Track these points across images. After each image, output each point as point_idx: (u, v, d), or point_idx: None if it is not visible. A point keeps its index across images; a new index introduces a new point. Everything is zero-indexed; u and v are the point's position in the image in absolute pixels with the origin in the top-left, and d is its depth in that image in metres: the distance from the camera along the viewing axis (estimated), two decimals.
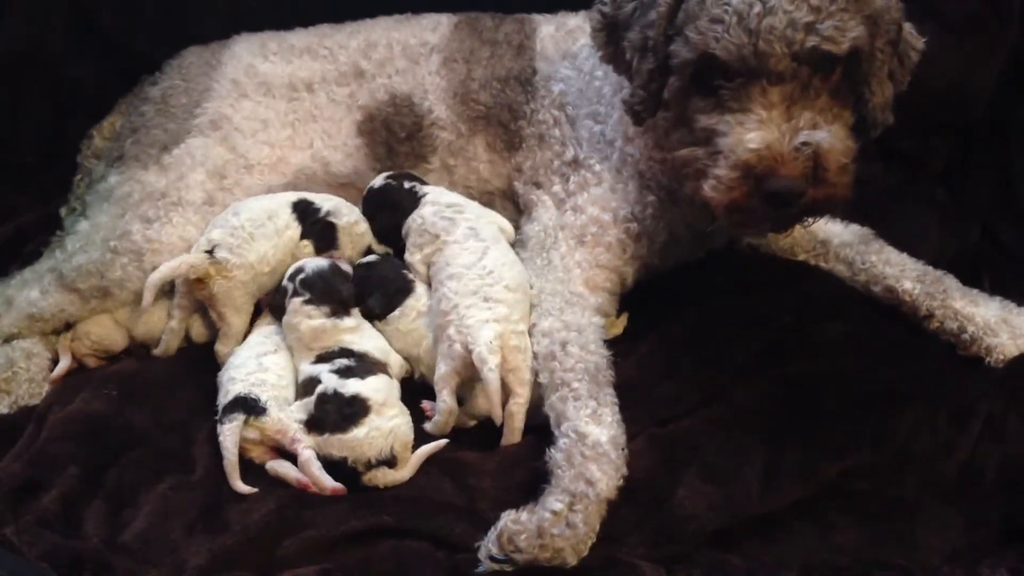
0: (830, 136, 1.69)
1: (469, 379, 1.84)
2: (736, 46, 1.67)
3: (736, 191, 1.69)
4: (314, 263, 1.99)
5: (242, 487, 1.73)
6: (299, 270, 1.97)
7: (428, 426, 1.86)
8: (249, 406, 1.79)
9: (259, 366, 1.89)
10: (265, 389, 1.83)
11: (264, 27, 2.40)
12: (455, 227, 2.03)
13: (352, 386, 1.78)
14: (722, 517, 1.66)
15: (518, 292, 1.92)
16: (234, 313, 1.99)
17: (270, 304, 2.03)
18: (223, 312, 1.99)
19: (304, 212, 2.10)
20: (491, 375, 1.78)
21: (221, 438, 1.77)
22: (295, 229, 2.08)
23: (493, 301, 1.88)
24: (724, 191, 1.71)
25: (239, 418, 1.77)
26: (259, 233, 2.03)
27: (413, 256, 2.07)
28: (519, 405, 1.81)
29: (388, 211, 2.14)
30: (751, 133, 1.68)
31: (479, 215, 2.09)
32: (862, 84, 1.81)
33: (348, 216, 2.13)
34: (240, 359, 1.92)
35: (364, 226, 2.15)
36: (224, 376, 1.90)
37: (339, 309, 1.93)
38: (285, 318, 1.94)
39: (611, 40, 1.90)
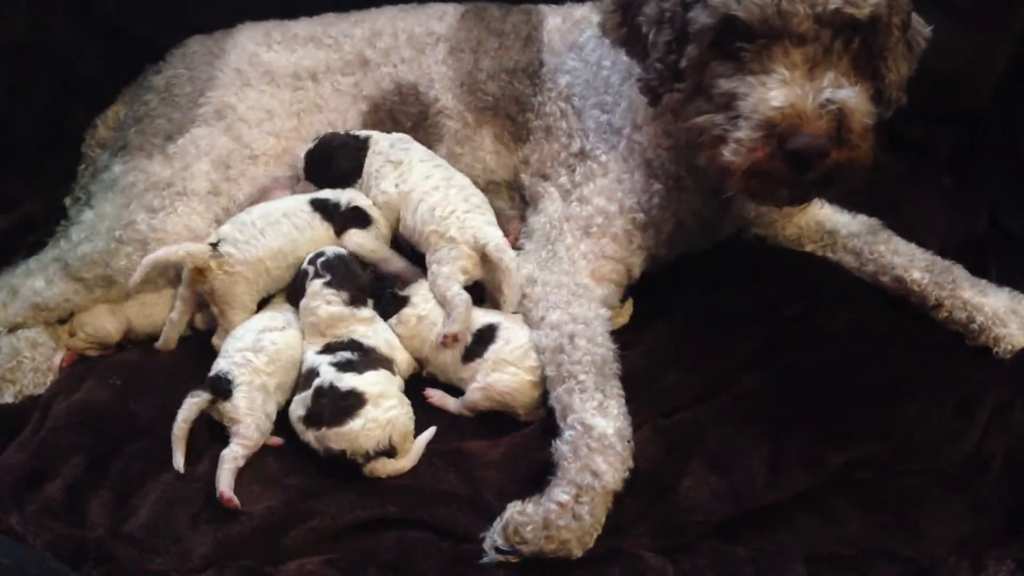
0: (854, 95, 1.68)
1: (473, 274, 1.99)
2: (759, 6, 1.66)
3: (758, 152, 1.66)
4: (334, 248, 2.00)
5: (179, 463, 1.73)
6: (319, 254, 1.98)
7: (447, 328, 1.91)
8: (217, 387, 1.80)
9: (255, 343, 1.88)
10: (244, 371, 1.82)
11: (268, 15, 2.39)
12: (412, 151, 2.15)
13: (348, 380, 1.78)
14: (727, 507, 1.66)
15: (485, 202, 2.10)
16: (234, 310, 1.98)
17: (287, 292, 2.03)
18: (223, 308, 1.98)
19: (325, 208, 2.08)
20: (512, 262, 1.95)
21: (180, 409, 1.77)
22: (323, 227, 2.06)
23: (483, 208, 2.07)
24: (745, 153, 1.67)
25: (202, 396, 1.78)
26: (271, 230, 2.02)
27: (382, 184, 2.11)
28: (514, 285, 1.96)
29: (341, 156, 2.15)
30: (774, 91, 1.65)
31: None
32: (879, 59, 1.80)
33: (362, 195, 2.14)
34: (242, 330, 1.92)
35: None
36: (223, 345, 1.91)
37: (357, 297, 1.93)
38: (303, 301, 1.94)
39: (624, 21, 1.88)
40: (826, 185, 1.74)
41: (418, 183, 2.08)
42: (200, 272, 1.97)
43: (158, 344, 2.05)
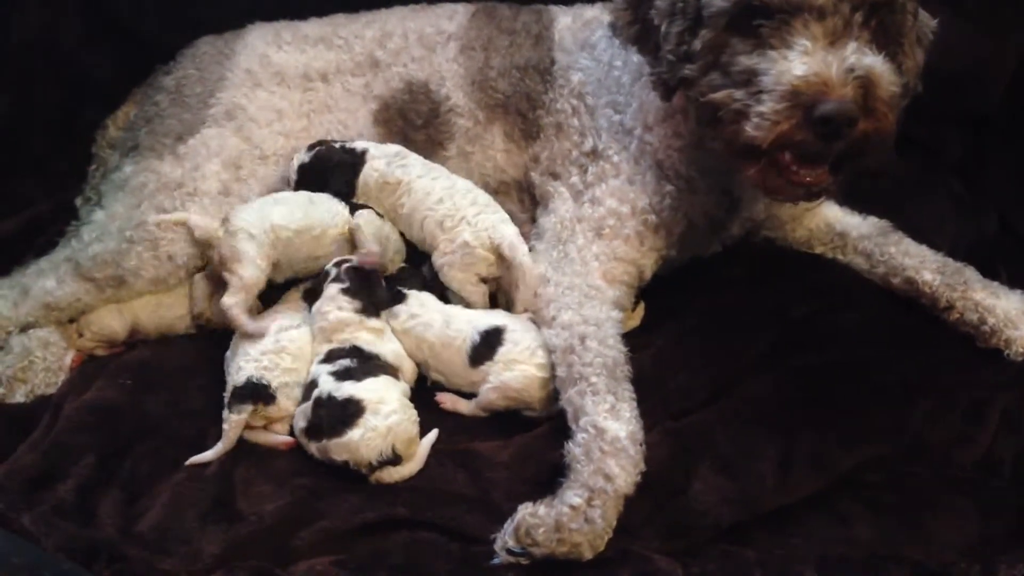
0: (880, 63, 1.66)
1: (488, 275, 2.01)
2: None
3: (783, 124, 1.63)
4: (355, 257, 2.00)
5: (200, 459, 1.76)
6: (345, 260, 1.99)
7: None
8: (259, 394, 1.81)
9: (275, 343, 1.89)
10: (276, 374, 1.84)
11: (278, 15, 2.40)
12: (410, 167, 2.13)
13: (346, 389, 1.78)
14: (736, 510, 1.66)
15: (492, 201, 2.11)
16: (242, 265, 1.95)
17: (307, 288, 2.04)
18: (231, 267, 1.95)
19: (338, 194, 2.09)
20: (526, 259, 1.97)
21: (225, 425, 1.79)
22: (341, 206, 2.06)
23: (493, 207, 2.07)
24: (769, 127, 1.64)
25: (248, 409, 1.79)
26: (282, 198, 2.04)
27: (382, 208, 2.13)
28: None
29: (337, 173, 2.13)
30: (797, 61, 1.64)
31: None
32: (895, 44, 1.78)
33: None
34: None
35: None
36: (239, 348, 1.91)
37: (369, 309, 1.94)
38: (317, 303, 1.95)
39: (636, 18, 1.88)
40: (852, 158, 1.71)
41: (420, 202, 2.07)
42: (210, 246, 1.98)
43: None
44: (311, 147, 2.17)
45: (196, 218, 2.01)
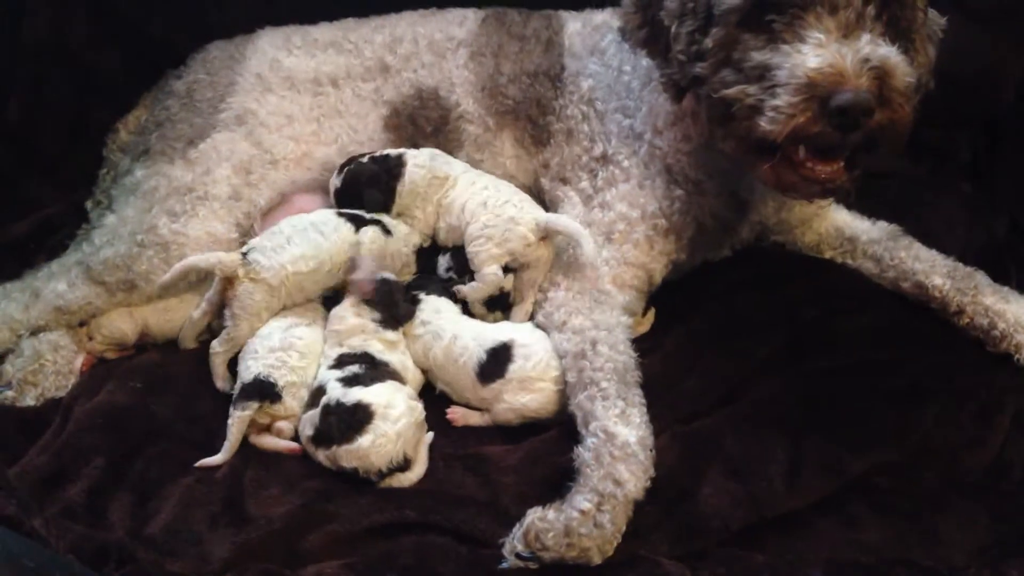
0: (894, 53, 1.66)
1: (515, 260, 2.00)
2: None
3: (799, 117, 1.63)
4: (384, 273, 2.00)
5: (209, 462, 1.77)
6: None
7: (465, 288, 2.02)
8: (265, 392, 1.81)
9: (284, 340, 1.90)
10: (283, 372, 1.85)
11: (287, 18, 2.40)
12: (453, 164, 2.17)
13: (355, 394, 1.77)
14: (745, 514, 1.65)
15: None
16: (247, 319, 1.96)
17: (326, 299, 2.04)
18: (236, 314, 1.96)
19: (351, 217, 2.08)
20: (573, 223, 1.99)
21: (230, 421, 1.80)
22: (348, 228, 2.05)
23: (532, 202, 2.08)
24: (784, 120, 1.64)
25: (252, 406, 1.80)
26: (298, 237, 2.02)
27: (425, 211, 2.14)
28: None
29: (372, 186, 2.13)
30: (811, 54, 1.64)
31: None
32: (905, 39, 1.77)
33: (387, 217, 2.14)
34: (269, 329, 1.94)
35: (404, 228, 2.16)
36: (249, 346, 1.92)
37: (388, 323, 1.94)
38: (336, 308, 1.96)
39: (645, 20, 1.88)
40: (868, 151, 1.70)
41: (464, 190, 2.09)
42: (229, 281, 1.97)
43: (180, 342, 2.07)
44: (341, 168, 2.17)
45: (196, 259, 1.99)
